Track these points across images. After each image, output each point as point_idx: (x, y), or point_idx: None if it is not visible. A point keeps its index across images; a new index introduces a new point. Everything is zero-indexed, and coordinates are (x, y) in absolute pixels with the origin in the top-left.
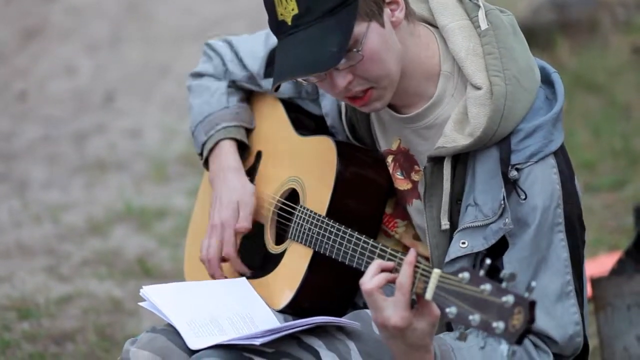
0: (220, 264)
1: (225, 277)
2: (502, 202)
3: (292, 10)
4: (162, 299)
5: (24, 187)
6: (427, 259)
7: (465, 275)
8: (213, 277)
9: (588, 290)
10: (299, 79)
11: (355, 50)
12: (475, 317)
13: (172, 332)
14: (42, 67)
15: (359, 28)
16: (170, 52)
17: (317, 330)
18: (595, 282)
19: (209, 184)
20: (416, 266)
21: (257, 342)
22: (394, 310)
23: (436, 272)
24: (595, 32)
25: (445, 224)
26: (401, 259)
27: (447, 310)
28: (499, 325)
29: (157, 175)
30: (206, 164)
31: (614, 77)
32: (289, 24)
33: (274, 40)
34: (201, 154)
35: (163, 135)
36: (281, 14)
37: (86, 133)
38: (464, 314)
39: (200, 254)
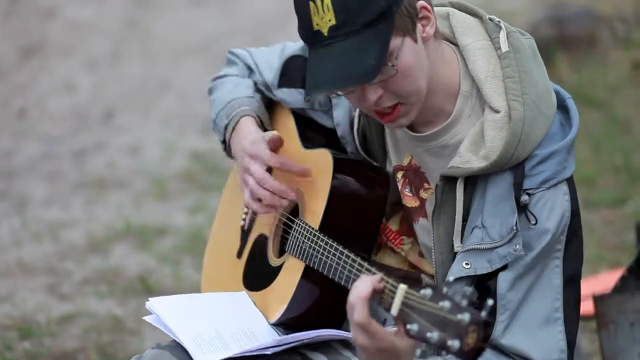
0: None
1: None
2: (515, 227)
3: (329, 20)
4: (167, 312)
5: (24, 205)
6: (432, 276)
7: (428, 291)
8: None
9: (590, 308)
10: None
11: (390, 64)
12: (433, 335)
13: (177, 348)
14: (41, 84)
15: (395, 42)
16: (170, 68)
17: (321, 345)
18: (598, 299)
19: (225, 197)
20: (386, 282)
21: (269, 351)
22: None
23: (402, 287)
24: (594, 48)
25: (458, 246)
26: (386, 280)
27: (409, 326)
28: (454, 343)
29: (158, 193)
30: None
31: (614, 92)
32: (325, 34)
33: (288, 52)
34: (224, 142)
35: (163, 152)
36: (317, 24)
37: (86, 150)
38: (423, 330)
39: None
